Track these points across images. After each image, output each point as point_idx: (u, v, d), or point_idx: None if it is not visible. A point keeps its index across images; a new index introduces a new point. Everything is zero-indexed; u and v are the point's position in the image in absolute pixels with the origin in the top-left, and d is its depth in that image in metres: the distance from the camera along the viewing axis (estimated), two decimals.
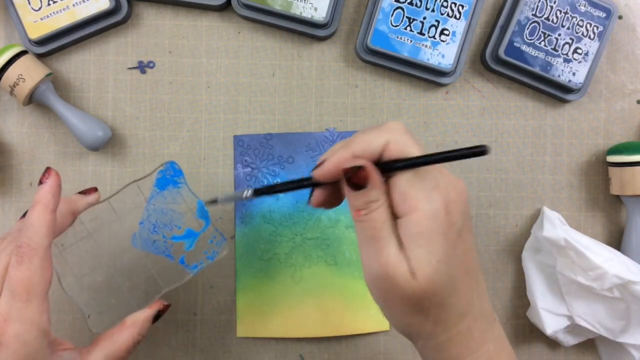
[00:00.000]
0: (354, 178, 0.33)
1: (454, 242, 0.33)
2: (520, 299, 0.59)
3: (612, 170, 0.57)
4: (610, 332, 0.54)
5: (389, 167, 0.34)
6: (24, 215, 0.46)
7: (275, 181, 0.58)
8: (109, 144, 0.57)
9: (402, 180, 0.33)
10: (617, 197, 0.59)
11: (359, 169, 0.33)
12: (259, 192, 0.40)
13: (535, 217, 0.59)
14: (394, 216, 0.34)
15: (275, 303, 0.57)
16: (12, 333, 0.36)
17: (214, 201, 0.46)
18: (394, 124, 0.35)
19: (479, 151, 0.31)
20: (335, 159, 0.35)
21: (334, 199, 0.38)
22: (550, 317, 0.55)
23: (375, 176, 0.33)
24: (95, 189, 0.47)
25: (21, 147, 0.57)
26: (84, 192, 0.47)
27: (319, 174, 0.35)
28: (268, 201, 0.57)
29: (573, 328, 0.56)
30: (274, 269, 0.57)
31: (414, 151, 0.34)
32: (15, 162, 0.57)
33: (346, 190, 0.34)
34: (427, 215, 0.33)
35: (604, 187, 0.59)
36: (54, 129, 0.57)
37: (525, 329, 0.59)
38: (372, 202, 0.34)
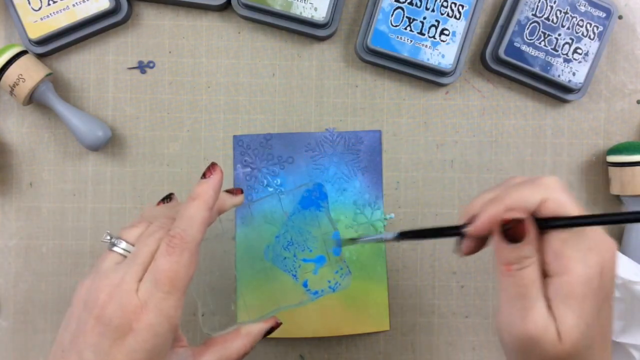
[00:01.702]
0: (512, 231, 0.32)
1: (601, 306, 0.32)
2: None
3: (612, 170, 0.57)
4: None
5: (545, 224, 0.33)
6: (164, 200, 0.45)
7: (276, 181, 0.58)
8: (109, 144, 0.57)
9: (557, 239, 0.32)
10: (617, 197, 0.59)
11: (518, 222, 0.32)
12: (404, 236, 0.39)
13: None
14: (543, 274, 0.33)
15: (275, 303, 0.57)
16: (146, 322, 0.35)
17: (353, 239, 0.45)
18: (551, 180, 0.33)
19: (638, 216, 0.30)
20: (490, 214, 0.33)
21: (481, 246, 0.37)
22: None
23: (533, 231, 0.32)
24: (241, 190, 0.46)
25: (21, 147, 0.57)
26: (231, 191, 0.45)
27: (475, 231, 0.34)
28: (269, 202, 0.57)
29: None
30: (274, 269, 0.57)
31: (572, 211, 0.32)
32: (15, 162, 0.57)
33: (497, 242, 0.33)
34: (582, 279, 0.31)
35: (604, 187, 0.59)
36: (54, 129, 0.57)
37: None
38: (526, 258, 0.32)
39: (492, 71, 0.58)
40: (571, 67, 0.57)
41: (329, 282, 0.47)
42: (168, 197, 0.46)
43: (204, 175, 0.39)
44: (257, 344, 0.58)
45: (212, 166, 0.40)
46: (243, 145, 0.58)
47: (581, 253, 0.32)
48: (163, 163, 0.58)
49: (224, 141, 0.58)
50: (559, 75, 0.56)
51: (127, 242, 0.39)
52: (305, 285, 0.47)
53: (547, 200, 0.32)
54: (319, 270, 0.47)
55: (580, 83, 0.57)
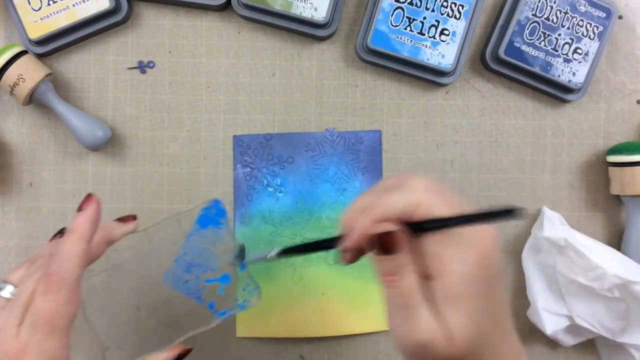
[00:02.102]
0: (386, 244, 0.32)
1: (488, 296, 0.32)
2: (520, 299, 0.59)
3: (612, 170, 0.57)
4: (610, 332, 0.54)
5: (416, 228, 0.32)
6: (55, 236, 0.44)
7: (275, 181, 0.58)
8: (109, 144, 0.57)
9: (432, 242, 0.32)
10: (617, 197, 0.59)
11: (389, 234, 0.31)
12: (286, 252, 0.39)
13: (535, 217, 0.59)
14: (425, 277, 0.32)
15: (275, 303, 0.57)
16: None
17: (241, 259, 0.44)
18: (417, 181, 0.33)
19: (510, 213, 0.29)
20: (361, 228, 0.32)
21: (360, 255, 0.36)
22: (550, 317, 0.55)
23: (405, 242, 0.32)
24: (134, 217, 0.45)
25: (21, 147, 0.57)
26: (122, 220, 0.44)
27: (348, 246, 0.33)
28: (268, 202, 0.57)
29: (573, 328, 0.56)
30: (273, 269, 0.57)
31: (441, 211, 0.32)
32: (15, 162, 0.57)
33: (374, 255, 0.33)
34: (461, 277, 0.31)
35: (604, 187, 0.59)
36: (54, 129, 0.57)
37: (525, 329, 0.59)
38: (403, 267, 0.32)
39: (492, 71, 0.58)
40: (571, 67, 0.56)
41: (237, 300, 0.45)
42: (60, 232, 0.44)
43: (79, 208, 0.39)
44: (257, 345, 0.58)
45: (88, 197, 0.39)
46: (243, 145, 0.58)
47: (456, 251, 0.31)
48: (163, 163, 0.58)
49: (224, 141, 0.58)
50: (559, 75, 0.56)
51: (12, 285, 0.38)
52: (211, 306, 0.45)
53: (415, 204, 0.32)
54: (225, 290, 0.45)
55: (580, 83, 0.57)
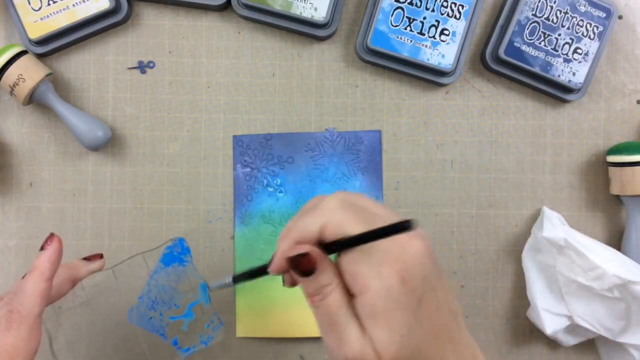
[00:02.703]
0: (301, 266, 0.32)
1: (415, 310, 0.31)
2: (520, 299, 0.59)
3: (612, 170, 0.57)
4: (610, 332, 0.54)
5: (328, 248, 0.32)
6: (25, 275, 0.46)
7: (275, 181, 0.58)
8: (109, 144, 0.57)
9: (349, 260, 0.32)
10: (617, 197, 0.59)
11: (302, 256, 0.32)
12: (236, 280, 0.41)
13: (535, 217, 0.59)
14: (350, 295, 0.33)
15: (275, 303, 0.57)
16: None
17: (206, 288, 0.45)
18: (331, 201, 0.33)
19: (403, 227, 0.29)
20: (280, 253, 0.33)
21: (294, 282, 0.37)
22: (550, 317, 0.55)
23: (322, 260, 0.32)
24: (100, 256, 0.47)
25: (21, 147, 0.57)
26: (88, 258, 0.46)
27: (273, 270, 0.34)
28: (267, 201, 0.57)
29: (573, 328, 0.56)
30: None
31: (351, 229, 0.32)
32: (15, 162, 0.57)
33: (297, 278, 0.33)
34: (381, 293, 0.31)
35: (604, 187, 0.59)
36: (54, 129, 0.57)
37: (525, 329, 0.59)
38: (325, 287, 0.32)
39: (492, 71, 0.58)
40: (571, 67, 0.56)
41: (201, 336, 0.46)
42: None
43: (42, 247, 0.40)
44: (257, 345, 0.58)
45: (50, 237, 0.41)
46: (243, 145, 0.58)
47: (374, 268, 0.31)
48: (163, 163, 0.58)
49: (224, 141, 0.58)
50: (559, 75, 0.56)
51: None
52: (175, 343, 0.46)
53: (326, 225, 0.32)
54: (188, 326, 0.46)
55: (580, 83, 0.57)
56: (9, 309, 0.38)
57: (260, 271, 0.38)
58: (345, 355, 0.31)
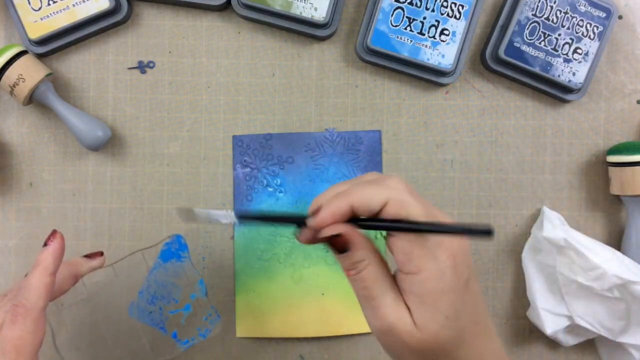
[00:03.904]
0: (336, 245, 0.33)
1: (462, 295, 0.33)
2: (520, 299, 0.59)
3: (612, 170, 0.57)
4: (610, 332, 0.54)
5: (387, 227, 0.33)
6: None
7: (275, 181, 0.58)
8: (109, 144, 0.57)
9: (404, 240, 0.33)
10: (617, 197, 0.59)
11: (337, 236, 0.33)
12: (244, 218, 0.37)
13: (535, 217, 0.59)
14: (397, 272, 0.34)
15: (275, 303, 0.57)
16: None
17: (189, 211, 0.39)
18: (396, 181, 0.34)
19: (487, 231, 0.30)
20: (332, 210, 0.33)
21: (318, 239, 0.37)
22: (550, 317, 0.55)
23: (356, 239, 0.33)
24: (100, 253, 0.48)
25: (21, 147, 0.57)
26: (89, 256, 0.47)
27: (316, 223, 0.34)
28: (267, 202, 0.57)
29: (573, 328, 0.56)
30: (273, 269, 0.57)
31: (415, 212, 0.32)
32: (15, 162, 0.57)
33: (332, 252, 0.34)
34: (434, 275, 0.32)
35: (604, 187, 0.59)
36: (54, 129, 0.57)
37: (525, 329, 0.59)
38: (359, 263, 0.34)
39: (492, 71, 0.58)
40: (571, 67, 0.56)
41: (199, 329, 0.48)
42: None
43: (45, 244, 0.41)
44: (257, 345, 0.58)
45: (52, 233, 0.42)
46: (243, 145, 0.58)
47: (430, 250, 0.32)
48: (163, 163, 0.58)
49: (223, 141, 0.58)
50: (559, 75, 0.56)
51: None
52: (174, 335, 0.48)
53: (389, 201, 0.32)
54: (187, 319, 0.48)
55: (580, 83, 0.57)
56: (14, 303, 0.39)
57: (286, 219, 0.37)
58: (380, 324, 0.33)
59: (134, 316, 0.47)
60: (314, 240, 0.35)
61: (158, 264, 0.48)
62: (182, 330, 0.47)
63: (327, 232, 0.33)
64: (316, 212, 0.34)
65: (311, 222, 0.34)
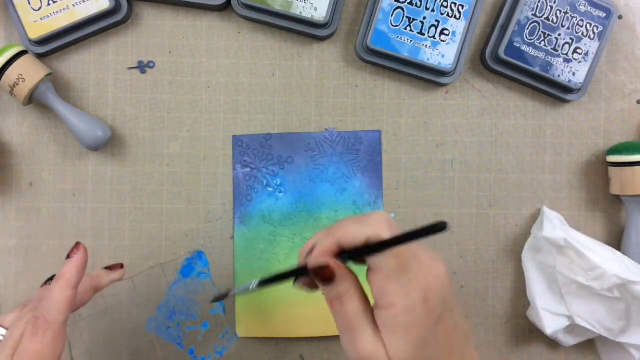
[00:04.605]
0: (322, 276, 0.35)
1: (433, 327, 0.34)
2: (520, 299, 0.59)
3: (612, 170, 0.57)
4: (610, 332, 0.54)
5: (359, 254, 0.35)
6: (46, 282, 0.47)
7: (275, 181, 0.58)
8: (109, 144, 0.57)
9: (379, 277, 0.34)
10: (617, 197, 0.59)
11: (323, 267, 0.35)
12: (262, 284, 0.41)
13: (535, 217, 0.59)
14: (375, 306, 0.36)
15: (275, 303, 0.57)
16: None
17: (223, 295, 0.45)
18: (378, 219, 0.36)
19: (440, 228, 0.31)
20: (322, 247, 0.36)
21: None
22: (550, 317, 0.55)
23: (341, 271, 0.35)
24: (121, 266, 0.48)
25: (21, 147, 0.57)
26: (110, 268, 0.47)
27: (313, 261, 0.36)
28: (267, 202, 0.57)
29: (573, 328, 0.56)
30: (273, 269, 0.57)
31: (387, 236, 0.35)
32: (15, 162, 0.57)
33: (318, 283, 0.36)
34: (404, 311, 0.34)
35: (604, 187, 0.59)
36: (54, 129, 0.57)
37: (525, 329, 0.59)
38: (343, 295, 0.35)
39: (492, 71, 0.58)
40: (571, 67, 0.56)
41: (215, 347, 0.48)
42: (50, 279, 0.47)
43: (68, 256, 0.41)
44: (257, 345, 0.58)
45: (76, 246, 0.42)
46: (242, 145, 0.58)
47: (402, 287, 0.34)
48: (163, 163, 0.58)
49: (223, 141, 0.58)
50: (559, 75, 0.56)
51: (3, 327, 0.41)
52: (191, 352, 0.48)
53: (369, 238, 0.34)
54: (204, 336, 0.48)
55: (580, 83, 0.57)
56: (35, 315, 0.39)
57: (289, 274, 0.39)
58: (358, 355, 0.34)
59: (152, 331, 0.47)
60: (310, 285, 0.38)
61: (178, 279, 0.48)
62: (198, 347, 0.48)
63: (314, 262, 0.35)
64: (311, 251, 0.37)
65: (310, 261, 0.36)
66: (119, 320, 0.47)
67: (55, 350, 0.38)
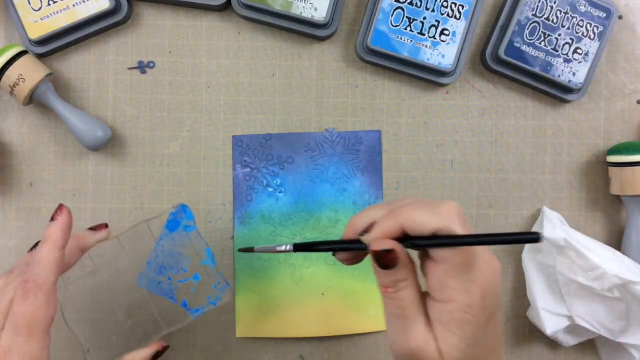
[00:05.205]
0: (384, 260, 0.34)
1: (485, 326, 0.34)
2: (520, 299, 0.59)
3: (612, 170, 0.57)
4: (610, 332, 0.54)
5: (425, 244, 0.34)
6: (32, 248, 0.46)
7: (275, 181, 0.58)
8: (109, 144, 0.57)
9: (441, 270, 0.34)
10: (617, 197, 0.59)
11: (388, 252, 0.34)
12: (299, 248, 0.39)
13: (535, 217, 0.59)
14: (427, 294, 0.35)
15: (275, 303, 0.57)
16: None
17: (249, 249, 0.43)
18: (449, 209, 0.34)
19: (534, 238, 0.31)
20: (385, 228, 0.34)
21: (358, 258, 0.39)
22: (550, 317, 0.55)
23: (404, 258, 0.34)
24: (105, 225, 0.48)
25: (21, 147, 0.57)
26: (94, 228, 0.47)
27: (377, 244, 0.34)
28: (267, 202, 0.57)
29: (573, 328, 0.56)
30: (273, 269, 0.57)
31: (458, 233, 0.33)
32: (15, 162, 0.57)
33: (374, 267, 0.35)
34: (463, 308, 0.33)
35: (604, 187, 0.59)
36: (54, 129, 0.57)
37: (525, 329, 0.59)
38: (400, 282, 0.34)
39: (492, 71, 0.58)
40: (571, 67, 0.56)
41: (208, 297, 0.48)
42: (35, 245, 0.47)
43: (52, 218, 0.41)
44: (257, 345, 0.58)
45: (59, 208, 0.42)
46: (242, 146, 0.58)
47: (463, 284, 0.33)
48: (163, 163, 0.58)
49: (223, 141, 0.58)
50: (559, 75, 0.56)
51: None
52: (184, 304, 0.47)
53: (440, 230, 0.33)
54: (196, 288, 0.47)
55: (580, 83, 0.57)
56: (24, 279, 0.38)
57: (335, 244, 0.38)
58: (408, 346, 0.34)
59: (143, 286, 0.47)
60: (351, 259, 0.38)
61: (165, 234, 0.48)
62: (192, 299, 0.47)
63: (380, 245, 0.34)
64: (368, 229, 0.35)
65: (365, 238, 0.35)
66: (109, 279, 0.47)
67: (48, 312, 0.38)
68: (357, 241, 0.36)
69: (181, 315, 0.47)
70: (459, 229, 0.33)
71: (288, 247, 0.39)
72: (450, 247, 0.33)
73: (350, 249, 0.37)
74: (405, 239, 0.34)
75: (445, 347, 0.33)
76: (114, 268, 0.47)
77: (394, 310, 0.35)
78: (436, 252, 0.34)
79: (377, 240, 0.34)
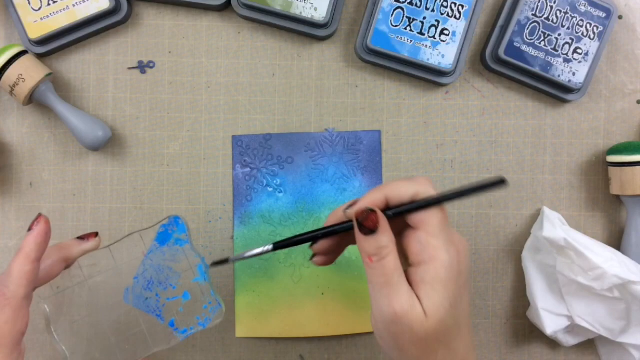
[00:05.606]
0: (366, 222, 0.36)
1: (462, 290, 0.37)
2: (520, 299, 0.59)
3: (612, 170, 0.57)
4: (610, 332, 0.54)
5: (405, 210, 0.37)
6: (29, 229, 0.45)
7: (275, 181, 0.58)
8: (109, 144, 0.57)
9: (422, 232, 0.36)
10: (617, 197, 0.59)
11: (370, 212, 0.36)
12: (279, 246, 0.40)
13: (535, 217, 0.59)
14: (407, 264, 0.37)
15: (275, 303, 0.57)
16: None
17: (222, 261, 0.43)
18: (423, 178, 0.38)
19: (500, 182, 0.34)
20: (369, 199, 0.37)
21: (334, 250, 0.41)
22: (550, 317, 0.55)
23: (384, 222, 0.36)
24: (95, 234, 0.45)
25: (21, 147, 0.57)
26: (82, 237, 0.45)
27: (355, 211, 0.37)
28: (267, 202, 0.57)
29: (573, 328, 0.56)
30: (273, 269, 0.57)
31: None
32: (15, 162, 0.57)
33: (357, 235, 0.37)
34: (445, 264, 0.35)
35: (604, 187, 0.59)
36: (54, 129, 0.57)
37: (525, 329, 0.59)
38: (383, 248, 0.36)
39: (492, 71, 0.58)
40: (571, 67, 0.56)
41: (198, 318, 0.45)
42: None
43: (29, 228, 0.40)
44: (257, 345, 0.58)
45: (37, 218, 0.40)
46: (242, 146, 0.58)
47: (444, 244, 0.36)
48: (163, 163, 0.58)
49: (223, 141, 0.58)
50: (559, 75, 0.56)
51: None
52: (172, 324, 0.45)
53: (418, 193, 0.37)
54: (185, 307, 0.45)
55: (580, 83, 0.57)
56: None
57: (308, 234, 0.40)
58: (394, 310, 0.35)
59: (129, 302, 0.44)
60: (327, 249, 0.40)
61: (154, 247, 0.45)
62: (180, 319, 0.45)
63: (363, 204, 0.37)
64: (353, 203, 0.38)
65: (351, 211, 0.38)
66: (99, 291, 0.45)
67: (16, 327, 0.37)
68: (336, 225, 0.39)
69: (168, 335, 0.45)
70: (433, 192, 0.37)
71: (267, 248, 0.40)
72: (426, 208, 0.36)
73: (331, 233, 0.39)
74: (387, 209, 0.37)
75: (431, 307, 0.35)
76: (104, 280, 0.45)
77: (379, 279, 0.36)
78: (416, 219, 0.36)
79: (362, 202, 0.37)
